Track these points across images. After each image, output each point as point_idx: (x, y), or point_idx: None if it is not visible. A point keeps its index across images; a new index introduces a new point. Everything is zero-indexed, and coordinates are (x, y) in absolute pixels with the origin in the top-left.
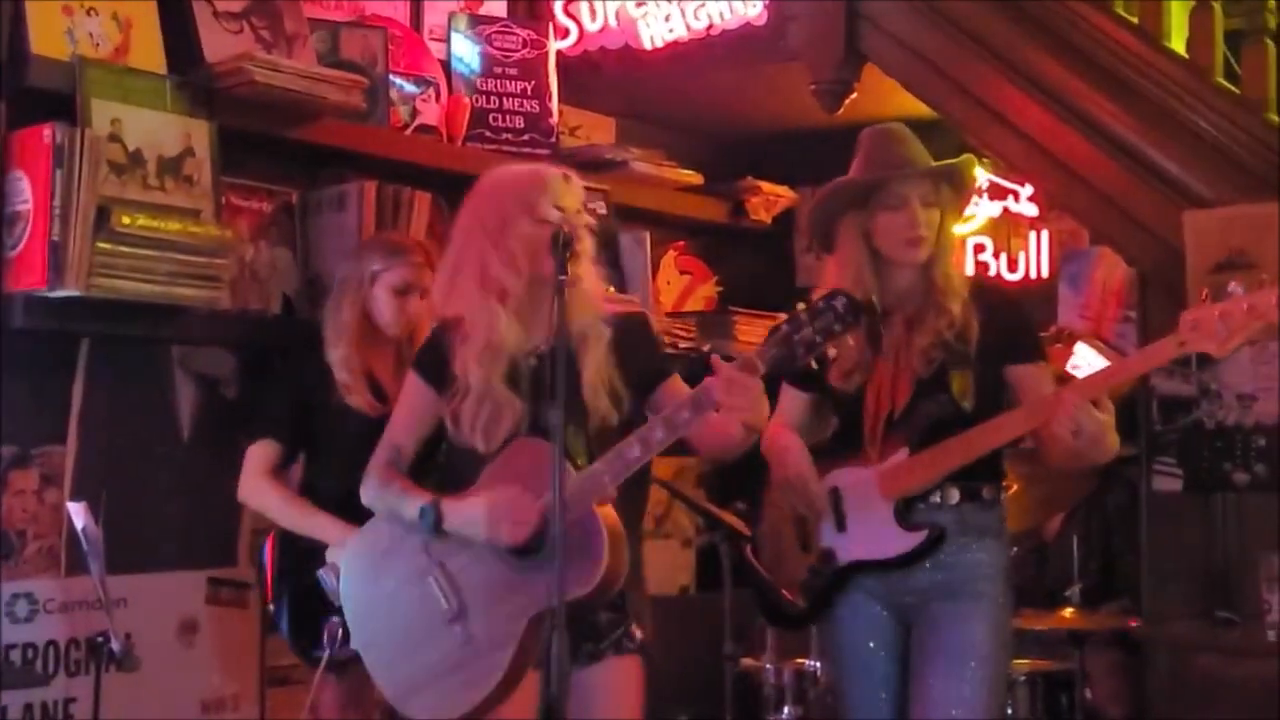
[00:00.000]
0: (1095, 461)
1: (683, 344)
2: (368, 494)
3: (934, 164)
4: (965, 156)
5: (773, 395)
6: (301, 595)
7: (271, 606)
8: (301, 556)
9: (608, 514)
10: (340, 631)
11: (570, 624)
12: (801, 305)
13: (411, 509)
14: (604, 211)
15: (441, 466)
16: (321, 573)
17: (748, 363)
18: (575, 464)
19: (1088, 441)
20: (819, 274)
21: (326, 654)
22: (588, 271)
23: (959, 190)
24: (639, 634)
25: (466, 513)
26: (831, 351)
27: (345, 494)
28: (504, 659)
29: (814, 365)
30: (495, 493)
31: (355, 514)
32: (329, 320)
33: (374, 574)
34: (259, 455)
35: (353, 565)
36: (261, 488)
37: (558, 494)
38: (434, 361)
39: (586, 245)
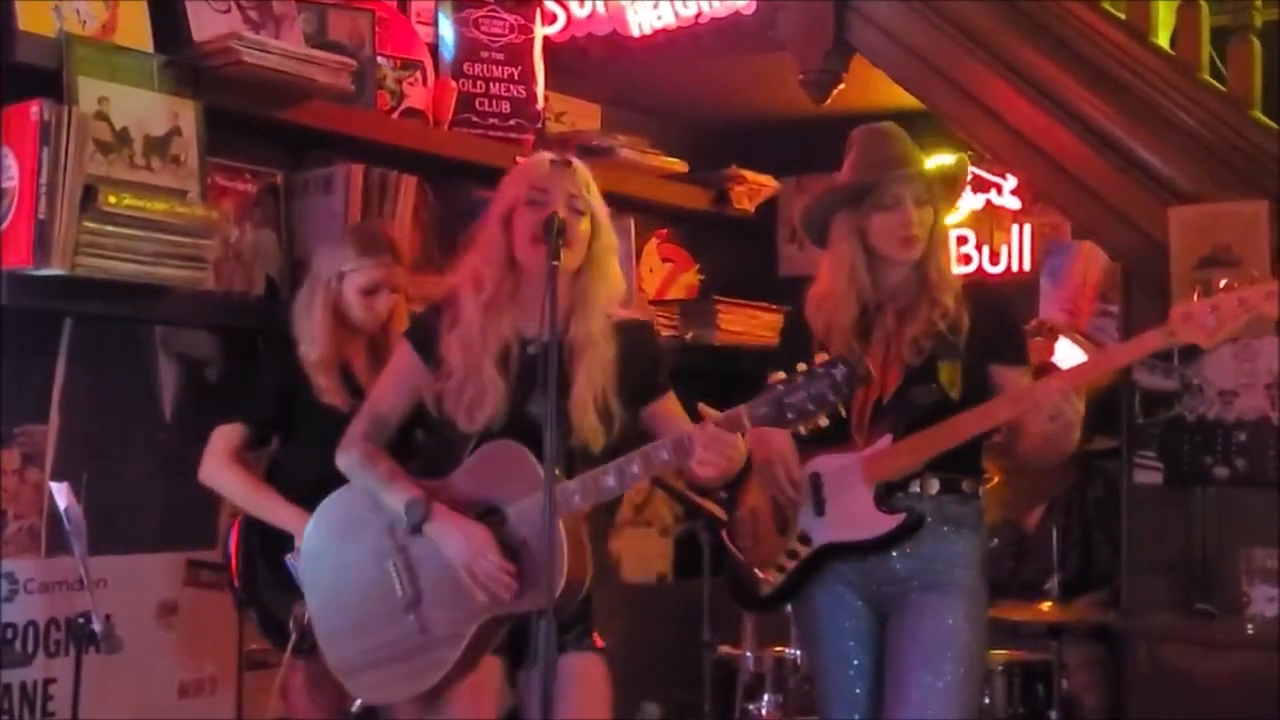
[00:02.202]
0: (1059, 454)
1: (665, 332)
2: (345, 461)
3: (927, 164)
4: (959, 157)
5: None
6: (269, 580)
7: (238, 589)
8: (268, 540)
9: (571, 525)
10: (308, 618)
11: (527, 619)
12: (802, 367)
13: (396, 500)
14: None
15: (422, 449)
16: (289, 558)
17: (733, 421)
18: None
19: (1063, 426)
20: (804, 265)
21: (293, 639)
22: (602, 264)
23: (952, 187)
24: (599, 642)
25: (454, 537)
26: (822, 421)
27: (314, 482)
28: (451, 656)
29: (801, 431)
30: (474, 539)
31: (321, 501)
32: (299, 316)
33: (337, 542)
34: (224, 437)
35: (317, 529)
36: (222, 469)
37: (548, 489)
38: (425, 337)
39: (593, 232)
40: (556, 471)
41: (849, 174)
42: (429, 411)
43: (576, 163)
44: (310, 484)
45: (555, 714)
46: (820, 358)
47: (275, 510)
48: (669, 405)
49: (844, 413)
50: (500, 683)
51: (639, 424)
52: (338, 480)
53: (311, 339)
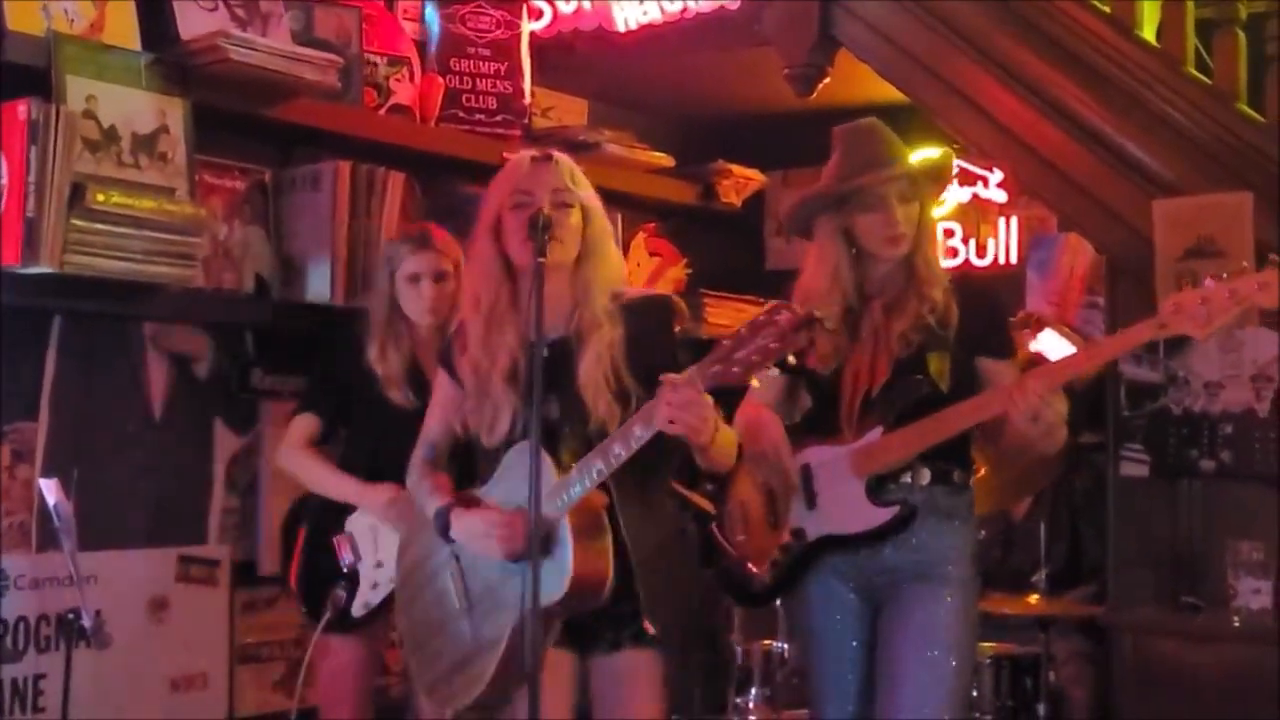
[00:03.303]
0: (1045, 451)
1: None
2: (410, 483)
3: (909, 161)
4: (944, 152)
5: None
6: (316, 561)
7: (301, 596)
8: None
9: (583, 521)
10: (344, 599)
11: (585, 616)
12: (745, 324)
13: (430, 509)
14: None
15: (470, 465)
16: (336, 539)
17: (688, 378)
18: (568, 468)
19: (1044, 429)
20: (791, 258)
21: (326, 617)
22: (599, 250)
23: (937, 180)
24: (650, 629)
25: (467, 526)
26: (771, 372)
27: (373, 477)
28: (494, 660)
29: (754, 382)
30: (493, 511)
31: None
32: (365, 316)
33: (420, 557)
34: (300, 426)
35: (406, 549)
36: (296, 455)
37: (533, 494)
38: (450, 361)
39: (585, 221)
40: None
41: (832, 177)
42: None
43: (558, 155)
44: (369, 477)
45: (613, 713)
46: (767, 305)
47: (339, 485)
48: None
49: (792, 360)
50: (572, 677)
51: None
52: (390, 475)
53: (371, 332)
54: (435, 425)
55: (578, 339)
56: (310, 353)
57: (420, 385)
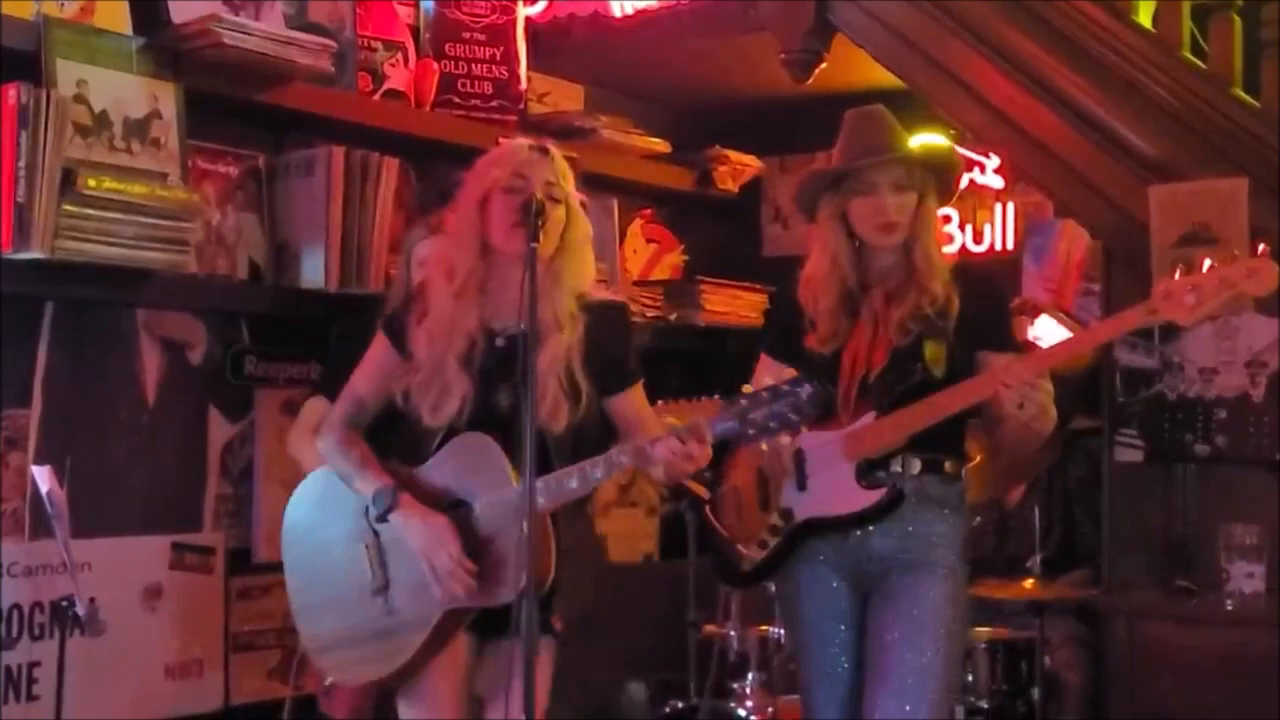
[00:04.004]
0: (1036, 438)
1: (650, 313)
2: (323, 445)
3: (906, 150)
4: (945, 144)
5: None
6: None
7: None
8: None
9: (535, 522)
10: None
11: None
12: (769, 383)
13: (366, 488)
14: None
15: (400, 439)
16: None
17: (696, 431)
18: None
19: (1031, 414)
20: (788, 244)
21: None
22: (576, 251)
23: (939, 173)
24: (558, 625)
25: (417, 527)
26: (784, 439)
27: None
28: (415, 641)
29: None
30: (442, 534)
31: None
32: (390, 299)
33: (317, 522)
34: (310, 410)
35: (296, 508)
36: (304, 440)
37: (528, 485)
38: (398, 328)
39: (568, 220)
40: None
41: (834, 157)
42: (396, 403)
43: (554, 150)
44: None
45: (499, 692)
46: (789, 373)
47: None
48: (634, 400)
49: (805, 431)
50: (469, 659)
51: (604, 412)
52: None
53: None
54: (367, 387)
55: (537, 334)
56: (311, 338)
57: None
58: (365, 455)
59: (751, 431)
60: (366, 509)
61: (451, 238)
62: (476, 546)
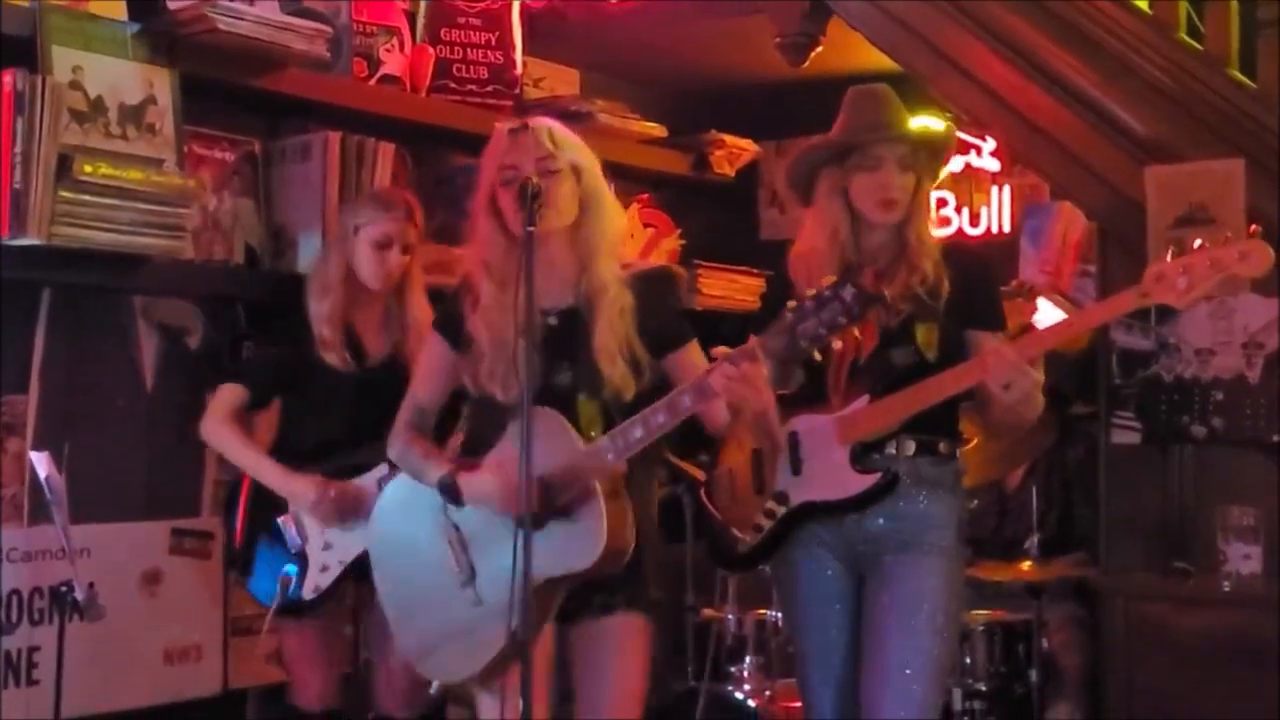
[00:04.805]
0: (1024, 422)
1: None
2: (394, 451)
3: (913, 129)
4: (947, 126)
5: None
6: (266, 542)
7: (238, 551)
8: (271, 505)
9: (610, 487)
10: (294, 581)
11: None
12: (810, 292)
13: (431, 477)
14: None
15: (469, 421)
16: (281, 520)
17: (748, 352)
18: (587, 435)
19: (1018, 396)
20: (785, 228)
21: (277, 601)
22: (597, 206)
23: (936, 155)
24: (654, 593)
25: (480, 488)
26: (836, 344)
27: (316, 446)
28: (504, 626)
29: (817, 356)
30: (504, 467)
31: (327, 465)
32: (315, 273)
33: (402, 527)
34: (224, 397)
35: (386, 508)
36: (220, 428)
37: (524, 462)
38: (451, 323)
39: (579, 179)
40: (593, 430)
41: (836, 132)
42: (469, 390)
43: (534, 122)
44: (312, 447)
45: (598, 679)
46: (827, 280)
47: (261, 469)
48: (691, 355)
49: (838, 345)
50: (552, 644)
51: (662, 374)
52: (339, 443)
53: (325, 289)
54: (427, 390)
55: (588, 306)
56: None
57: (356, 349)
58: (428, 449)
59: (804, 343)
60: (443, 505)
61: (478, 245)
62: (552, 513)
